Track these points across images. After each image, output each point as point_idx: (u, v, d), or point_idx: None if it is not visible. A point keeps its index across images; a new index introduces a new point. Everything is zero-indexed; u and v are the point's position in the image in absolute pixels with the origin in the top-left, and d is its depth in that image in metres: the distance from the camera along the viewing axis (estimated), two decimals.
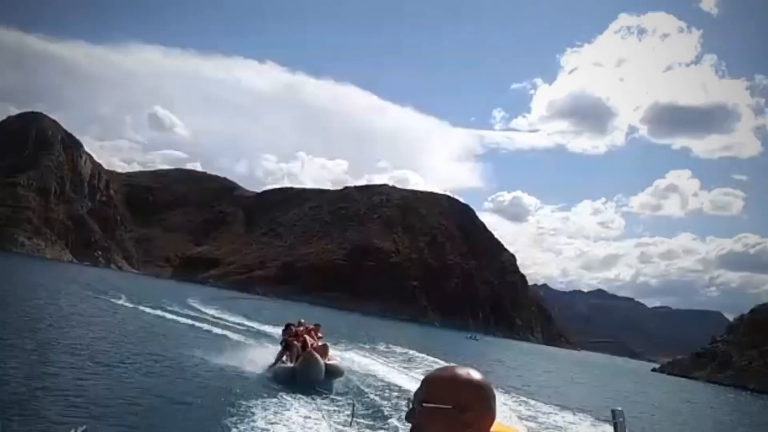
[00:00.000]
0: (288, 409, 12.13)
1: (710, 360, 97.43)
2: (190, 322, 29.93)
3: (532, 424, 15.22)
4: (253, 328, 31.76)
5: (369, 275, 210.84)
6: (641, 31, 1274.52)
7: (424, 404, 1.70)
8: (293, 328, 18.43)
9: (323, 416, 11.77)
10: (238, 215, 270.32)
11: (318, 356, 15.77)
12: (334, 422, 11.37)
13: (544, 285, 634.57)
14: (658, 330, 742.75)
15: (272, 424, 10.58)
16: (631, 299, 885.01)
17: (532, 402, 19.32)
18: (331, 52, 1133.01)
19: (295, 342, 17.47)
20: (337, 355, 19.08)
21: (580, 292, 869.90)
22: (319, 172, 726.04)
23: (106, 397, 10.77)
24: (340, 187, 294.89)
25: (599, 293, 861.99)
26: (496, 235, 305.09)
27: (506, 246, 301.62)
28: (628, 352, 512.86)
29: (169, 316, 31.59)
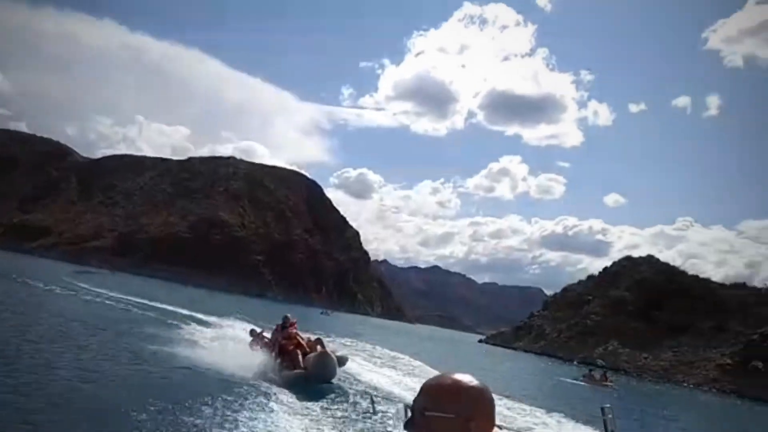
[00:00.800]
0: (311, 411, 12.17)
1: (528, 332, 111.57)
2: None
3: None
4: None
5: (214, 249, 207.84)
6: (483, 21, 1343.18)
7: (427, 413, 1.67)
8: (284, 329, 18.02)
9: (343, 412, 12.09)
10: (71, 182, 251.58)
11: (331, 354, 16.15)
12: (353, 415, 11.81)
13: (384, 261, 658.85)
14: (487, 304, 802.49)
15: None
16: (463, 275, 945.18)
17: (396, 371, 23.45)
18: (174, 13, 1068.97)
19: (290, 346, 17.19)
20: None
21: (417, 268, 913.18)
22: (158, 138, 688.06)
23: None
24: (183, 157, 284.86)
25: (435, 269, 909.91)
26: (342, 211, 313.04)
27: (350, 222, 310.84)
28: (459, 325, 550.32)
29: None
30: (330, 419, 11.51)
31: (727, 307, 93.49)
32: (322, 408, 12.44)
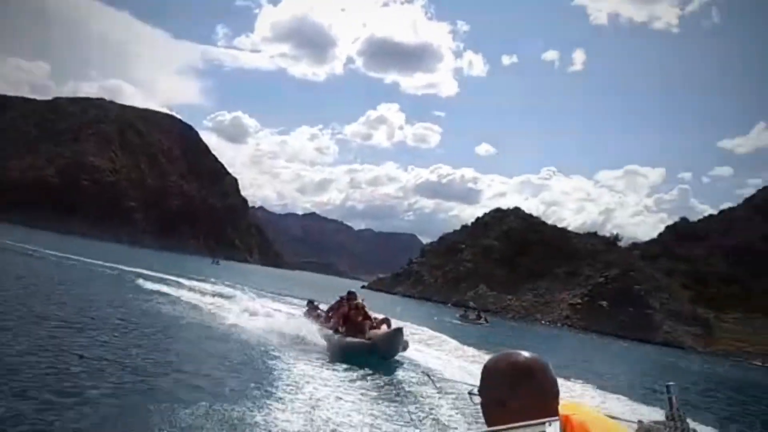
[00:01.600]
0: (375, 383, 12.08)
1: (407, 278, 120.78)
2: None
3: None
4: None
5: (84, 195, 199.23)
6: None
7: (473, 396, 1.71)
8: (351, 301, 18.23)
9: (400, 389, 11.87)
10: None
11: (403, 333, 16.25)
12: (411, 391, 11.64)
13: (261, 207, 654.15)
14: (362, 251, 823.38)
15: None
16: (341, 222, 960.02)
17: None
18: None
19: (359, 316, 17.25)
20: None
21: (294, 214, 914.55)
22: (16, 73, 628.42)
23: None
24: (46, 96, 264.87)
25: (312, 216, 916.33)
26: (217, 156, 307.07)
27: (226, 167, 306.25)
28: (334, 271, 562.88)
29: None
30: (389, 392, 11.36)
31: (579, 254, 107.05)
32: (376, 378, 12.50)
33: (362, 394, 10.71)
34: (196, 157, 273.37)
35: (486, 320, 52.19)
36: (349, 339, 15.95)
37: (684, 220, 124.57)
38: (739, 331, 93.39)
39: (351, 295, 18.67)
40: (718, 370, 50.41)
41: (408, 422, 8.97)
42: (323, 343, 16.36)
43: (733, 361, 77.22)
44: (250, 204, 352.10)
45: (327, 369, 12.92)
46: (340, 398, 10.01)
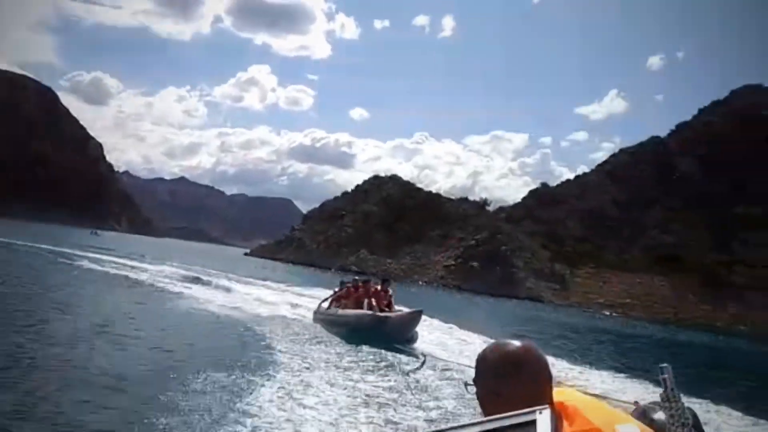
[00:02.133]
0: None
1: (289, 244, 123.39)
2: None
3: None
4: None
5: None
6: None
7: (468, 386, 1.72)
8: (353, 286, 18.01)
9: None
10: None
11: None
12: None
13: (126, 172, 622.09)
14: (236, 216, 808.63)
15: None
16: (212, 187, 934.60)
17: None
18: None
19: (360, 290, 17.30)
20: None
21: (162, 179, 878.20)
22: None
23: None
24: None
25: (181, 181, 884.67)
26: (78, 118, 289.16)
27: (87, 130, 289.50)
28: (207, 237, 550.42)
29: None
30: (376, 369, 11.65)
31: (452, 218, 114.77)
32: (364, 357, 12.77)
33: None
34: (57, 122, 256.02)
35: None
36: (363, 313, 15.61)
37: (544, 185, 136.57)
38: (591, 285, 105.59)
39: (365, 283, 17.89)
40: (573, 320, 58.42)
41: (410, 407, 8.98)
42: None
43: (585, 311, 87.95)
44: (115, 169, 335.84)
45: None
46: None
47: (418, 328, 15.74)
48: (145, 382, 8.91)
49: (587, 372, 15.41)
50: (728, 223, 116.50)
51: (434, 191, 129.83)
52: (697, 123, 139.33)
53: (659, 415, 1.67)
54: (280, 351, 12.58)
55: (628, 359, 23.40)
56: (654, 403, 1.76)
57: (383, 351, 13.34)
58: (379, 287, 17.20)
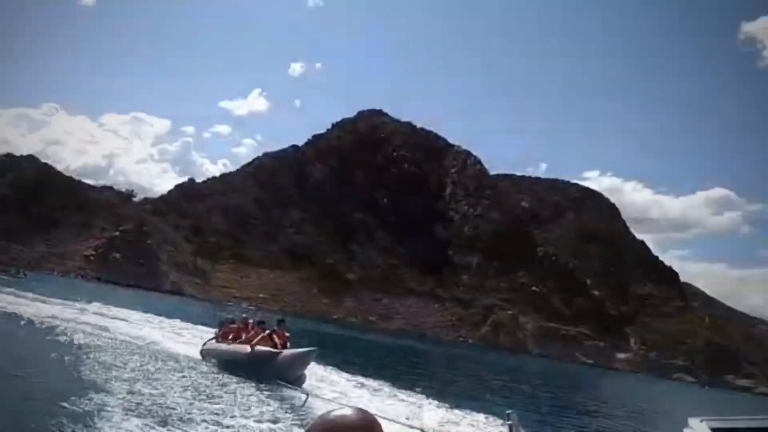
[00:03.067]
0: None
1: None
2: None
3: None
4: None
5: None
6: None
7: None
8: (234, 325, 18.31)
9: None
10: None
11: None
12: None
13: None
14: None
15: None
16: None
17: None
18: None
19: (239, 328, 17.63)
20: None
21: None
22: None
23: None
24: None
25: None
26: None
27: None
28: None
29: None
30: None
31: (94, 205, 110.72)
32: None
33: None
34: None
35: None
36: (232, 346, 16.27)
37: (191, 180, 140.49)
38: (231, 279, 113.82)
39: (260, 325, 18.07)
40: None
41: None
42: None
43: (227, 305, 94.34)
44: None
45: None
46: None
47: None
48: None
49: None
50: (349, 228, 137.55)
51: (64, 172, 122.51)
52: (330, 136, 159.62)
53: None
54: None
55: None
56: None
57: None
58: (276, 328, 17.09)
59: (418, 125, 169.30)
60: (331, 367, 19.82)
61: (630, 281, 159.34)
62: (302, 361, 15.43)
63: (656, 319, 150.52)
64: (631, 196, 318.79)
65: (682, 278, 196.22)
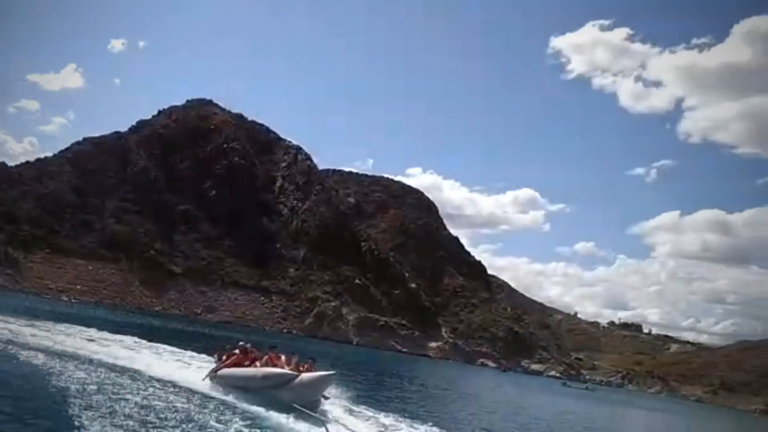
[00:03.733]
0: None
1: None
2: None
3: None
4: None
5: None
6: None
7: None
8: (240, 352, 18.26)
9: None
10: None
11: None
12: None
13: None
14: None
15: None
16: None
17: None
18: None
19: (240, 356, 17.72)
20: None
21: None
22: None
23: None
24: None
25: None
26: None
27: None
28: None
29: None
30: None
31: None
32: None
33: None
34: None
35: None
36: (227, 371, 16.97)
37: (3, 164, 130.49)
38: (47, 270, 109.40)
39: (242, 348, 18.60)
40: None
41: None
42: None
43: (42, 297, 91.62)
44: None
45: None
46: None
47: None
48: None
49: None
50: (174, 219, 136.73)
51: None
52: (156, 123, 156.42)
53: None
54: None
55: None
56: None
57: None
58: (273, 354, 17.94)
59: (249, 117, 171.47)
60: None
61: (443, 274, 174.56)
62: (320, 384, 15.47)
63: (465, 310, 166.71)
64: (449, 194, 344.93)
65: (490, 271, 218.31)
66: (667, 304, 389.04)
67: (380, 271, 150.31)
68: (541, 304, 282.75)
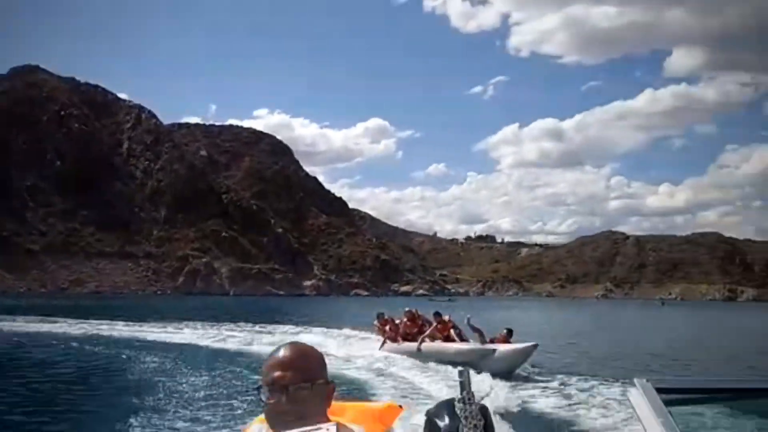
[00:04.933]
0: None
1: None
2: None
3: None
4: None
5: None
6: None
7: (303, 383, 1.54)
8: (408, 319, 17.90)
9: None
10: None
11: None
12: None
13: None
14: None
15: None
16: None
17: None
18: None
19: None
20: None
21: None
22: None
23: None
24: None
25: None
26: None
27: None
28: None
29: None
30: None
31: None
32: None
33: None
34: None
35: None
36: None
37: None
38: None
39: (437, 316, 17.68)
40: None
41: None
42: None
43: None
44: None
45: None
46: None
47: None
48: None
49: None
50: (21, 196, 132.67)
51: None
52: None
53: (447, 418, 1.57)
54: None
55: None
56: (442, 404, 1.68)
57: None
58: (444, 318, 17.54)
59: (82, 80, 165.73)
60: None
61: (307, 214, 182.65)
62: (521, 357, 15.18)
63: (333, 246, 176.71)
64: (300, 131, 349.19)
65: (351, 205, 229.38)
66: (516, 212, 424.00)
67: (245, 221, 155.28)
68: (403, 230, 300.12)
